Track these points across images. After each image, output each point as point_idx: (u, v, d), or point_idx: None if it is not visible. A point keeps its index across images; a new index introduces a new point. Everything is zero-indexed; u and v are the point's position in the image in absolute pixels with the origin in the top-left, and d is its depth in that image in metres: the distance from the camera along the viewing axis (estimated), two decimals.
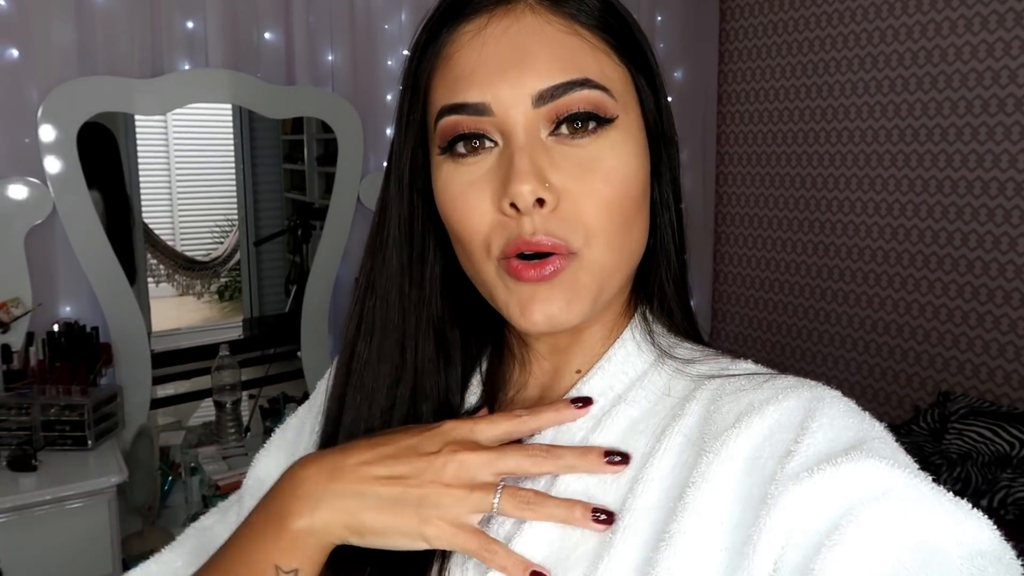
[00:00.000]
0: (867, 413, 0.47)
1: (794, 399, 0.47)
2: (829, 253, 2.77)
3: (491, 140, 0.50)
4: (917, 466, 0.44)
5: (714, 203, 3.13)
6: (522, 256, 0.49)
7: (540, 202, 0.48)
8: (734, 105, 3.04)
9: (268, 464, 0.67)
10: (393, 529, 0.48)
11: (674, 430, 0.50)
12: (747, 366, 0.54)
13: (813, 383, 0.49)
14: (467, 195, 0.51)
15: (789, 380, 0.50)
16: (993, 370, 2.37)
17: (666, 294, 0.57)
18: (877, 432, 0.46)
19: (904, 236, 2.55)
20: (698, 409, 0.51)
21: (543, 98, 0.49)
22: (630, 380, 0.55)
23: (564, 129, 0.49)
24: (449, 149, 0.51)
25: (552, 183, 0.48)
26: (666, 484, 0.48)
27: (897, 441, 0.46)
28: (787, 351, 2.90)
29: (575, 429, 0.54)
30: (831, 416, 0.46)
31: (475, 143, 0.50)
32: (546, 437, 0.54)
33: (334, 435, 0.58)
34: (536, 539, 0.49)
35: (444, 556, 0.52)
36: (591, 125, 0.50)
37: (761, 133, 2.95)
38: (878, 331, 2.65)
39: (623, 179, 0.50)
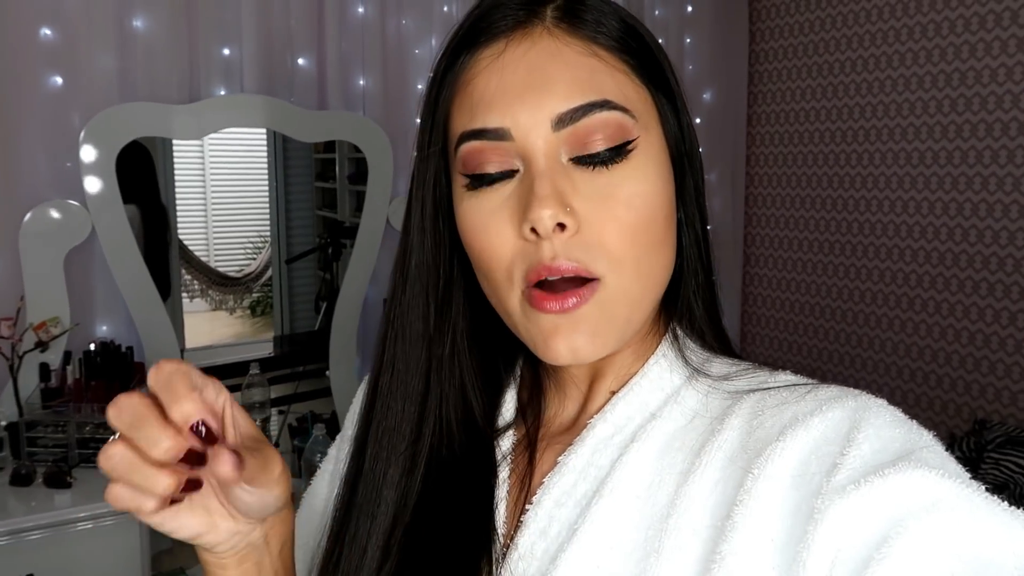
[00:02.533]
0: (914, 422, 0.46)
1: (839, 410, 0.46)
2: (861, 276, 2.73)
3: (512, 167, 0.50)
4: (968, 475, 0.42)
5: (743, 224, 3.11)
6: (544, 284, 0.49)
7: (561, 227, 0.47)
8: (764, 126, 3.02)
9: (319, 494, 0.68)
10: None
11: (714, 445, 0.49)
12: (787, 377, 0.53)
13: (857, 392, 0.48)
14: (489, 224, 0.50)
15: (832, 390, 0.49)
16: None
17: (695, 313, 0.57)
18: (925, 441, 0.44)
19: (938, 260, 2.51)
20: (739, 424, 0.49)
21: (562, 121, 0.48)
22: (664, 397, 0.54)
23: (585, 153, 0.49)
24: (471, 177, 0.51)
25: (573, 208, 0.48)
26: (710, 502, 0.47)
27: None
28: (818, 375, 2.85)
29: (610, 448, 0.53)
30: (877, 426, 0.44)
31: (496, 170, 0.50)
32: (582, 458, 0.53)
33: (359, 470, 0.58)
34: (571, 573, 0.49)
35: (492, 567, 0.52)
36: (612, 148, 0.49)
37: (791, 154, 2.93)
38: (912, 356, 2.60)
39: (646, 204, 0.49)
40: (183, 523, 0.47)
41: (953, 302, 2.49)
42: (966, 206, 2.43)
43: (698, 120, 2.96)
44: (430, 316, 0.57)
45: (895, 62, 2.57)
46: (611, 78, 0.50)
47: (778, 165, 2.99)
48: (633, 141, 0.49)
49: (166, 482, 0.42)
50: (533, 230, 0.47)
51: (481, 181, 0.50)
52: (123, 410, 0.42)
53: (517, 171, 0.50)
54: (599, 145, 0.49)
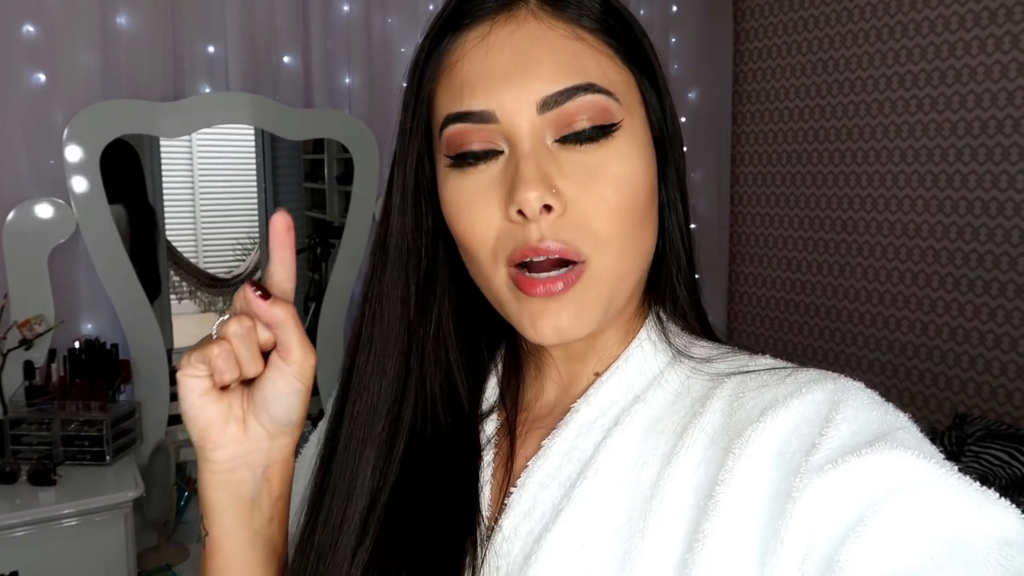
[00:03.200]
0: (891, 404, 0.47)
1: (818, 392, 0.47)
2: (844, 273, 2.76)
3: (497, 148, 0.50)
4: (943, 456, 0.43)
5: (729, 223, 3.13)
6: (528, 265, 0.49)
7: (548, 208, 0.48)
8: (749, 125, 3.05)
9: (298, 477, 0.67)
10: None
11: (696, 427, 0.49)
12: (767, 361, 0.54)
13: (836, 375, 0.49)
14: (473, 204, 0.50)
15: (811, 373, 0.50)
16: (1011, 392, 2.34)
17: (678, 295, 0.57)
18: (901, 422, 0.45)
19: (920, 256, 2.54)
20: (720, 406, 0.50)
21: (547, 104, 0.48)
22: (647, 380, 0.55)
23: (570, 135, 0.49)
24: (455, 158, 0.51)
25: (559, 189, 0.48)
26: (693, 483, 0.47)
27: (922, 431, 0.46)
28: None
29: (594, 431, 0.53)
30: (856, 408, 0.45)
31: (481, 151, 0.50)
32: (566, 442, 0.54)
33: (333, 449, 0.58)
34: (555, 554, 0.49)
35: (475, 556, 0.52)
36: (596, 130, 0.49)
37: (776, 153, 2.96)
38: (894, 352, 2.63)
39: (630, 185, 0.50)
40: (206, 404, 0.51)
41: (935, 298, 2.51)
42: (947, 203, 2.46)
43: (683, 119, 2.98)
44: (411, 297, 0.57)
45: (877, 61, 2.60)
46: (595, 61, 0.50)
47: (763, 164, 3.01)
48: (617, 123, 0.50)
49: (259, 365, 0.50)
50: (520, 212, 0.48)
51: (466, 162, 0.51)
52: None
53: (502, 152, 0.50)
54: (584, 125, 0.49)
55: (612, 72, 0.51)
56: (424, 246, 0.57)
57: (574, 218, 0.49)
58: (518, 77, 0.49)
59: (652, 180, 0.53)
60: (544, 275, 0.49)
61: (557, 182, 0.48)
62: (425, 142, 0.55)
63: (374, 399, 0.56)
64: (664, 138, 0.55)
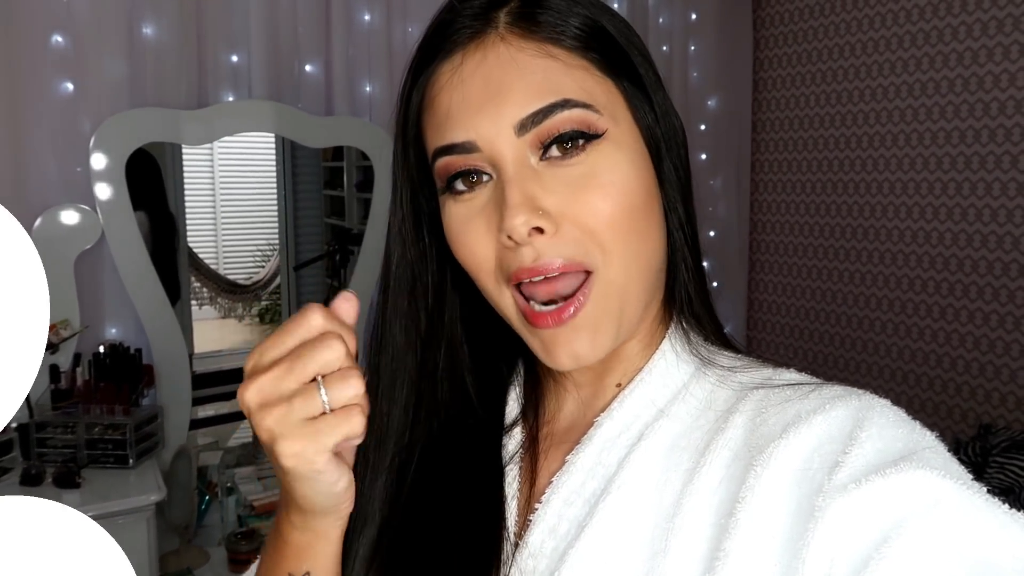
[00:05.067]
0: (917, 423, 0.46)
1: (842, 408, 0.46)
2: (866, 281, 2.73)
3: (486, 173, 0.50)
4: (970, 477, 0.42)
5: (748, 230, 3.12)
6: (529, 285, 0.49)
7: (539, 230, 0.48)
8: (769, 133, 3.03)
9: None
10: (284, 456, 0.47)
11: (719, 444, 0.49)
12: (792, 375, 0.53)
13: (861, 391, 0.48)
14: (468, 229, 0.51)
15: (836, 389, 0.49)
16: None
17: (692, 299, 0.56)
18: (928, 442, 0.44)
19: (943, 265, 2.51)
20: (743, 421, 0.50)
21: (524, 126, 0.48)
22: (672, 392, 0.54)
23: (554, 151, 0.49)
24: (448, 187, 0.52)
25: (547, 209, 0.48)
26: (715, 500, 0.47)
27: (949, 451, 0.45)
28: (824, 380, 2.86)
29: (618, 446, 0.53)
30: (880, 426, 0.44)
31: (472, 178, 0.51)
32: (590, 457, 0.54)
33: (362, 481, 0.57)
34: (578, 571, 0.49)
35: (500, 573, 0.52)
36: (580, 142, 0.49)
37: (796, 161, 2.94)
38: (917, 361, 2.60)
39: (621, 191, 0.49)
40: (341, 467, 0.49)
41: (958, 307, 2.48)
42: (970, 211, 2.43)
43: (703, 127, 2.97)
44: (420, 324, 0.57)
45: (899, 68, 2.58)
46: (568, 76, 0.49)
47: (783, 171, 3.00)
48: (601, 134, 0.49)
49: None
50: (510, 237, 0.48)
51: (458, 191, 0.51)
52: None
53: (492, 177, 0.50)
54: (567, 141, 0.49)
55: (589, 84, 0.50)
56: (429, 273, 0.58)
57: (570, 232, 0.49)
58: (491, 104, 0.49)
59: (648, 185, 0.52)
60: (552, 307, 0.49)
61: (544, 202, 0.48)
62: (423, 174, 0.55)
63: (383, 427, 0.57)
64: (657, 140, 0.54)
